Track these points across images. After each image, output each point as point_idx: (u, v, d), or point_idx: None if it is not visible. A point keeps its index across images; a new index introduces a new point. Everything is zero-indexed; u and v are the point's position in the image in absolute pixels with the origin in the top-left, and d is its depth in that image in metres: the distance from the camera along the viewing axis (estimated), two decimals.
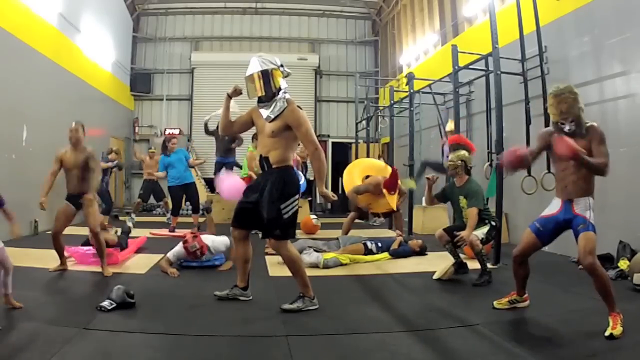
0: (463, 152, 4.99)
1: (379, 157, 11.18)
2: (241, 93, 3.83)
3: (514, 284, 3.69)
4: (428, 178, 5.09)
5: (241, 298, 3.90)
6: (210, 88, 13.27)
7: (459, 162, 4.90)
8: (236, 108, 4.02)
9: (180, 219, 8.41)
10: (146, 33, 14.46)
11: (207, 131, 9.32)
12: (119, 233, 6.63)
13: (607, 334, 2.99)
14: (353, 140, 12.64)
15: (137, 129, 14.16)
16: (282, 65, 3.73)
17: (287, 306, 3.61)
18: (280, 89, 3.68)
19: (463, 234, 4.63)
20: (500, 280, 4.61)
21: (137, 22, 14.23)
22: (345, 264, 5.45)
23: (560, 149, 3.08)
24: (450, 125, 7.71)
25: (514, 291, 3.71)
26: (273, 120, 3.66)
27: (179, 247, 5.12)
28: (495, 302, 3.75)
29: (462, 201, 4.87)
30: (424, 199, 5.29)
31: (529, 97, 6.05)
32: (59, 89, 8.69)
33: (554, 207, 3.40)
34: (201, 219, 8.98)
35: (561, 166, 3.33)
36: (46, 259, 5.35)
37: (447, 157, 7.36)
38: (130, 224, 7.09)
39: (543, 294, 4.03)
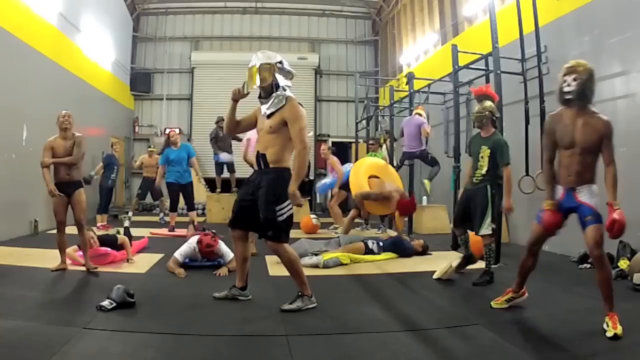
0: (489, 103, 4.83)
1: (380, 145, 11.21)
2: (243, 94, 3.79)
3: (512, 282, 3.69)
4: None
5: (240, 298, 3.89)
6: (210, 88, 13.27)
7: (486, 112, 4.73)
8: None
9: (178, 218, 8.41)
10: (146, 33, 14.46)
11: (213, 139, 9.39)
12: (121, 233, 6.65)
13: (609, 334, 2.98)
14: (353, 140, 12.64)
15: (137, 128, 14.19)
16: (281, 62, 3.73)
17: (286, 306, 3.61)
18: (278, 84, 3.67)
19: (506, 206, 4.57)
20: (501, 280, 4.61)
21: (137, 21, 14.24)
22: (346, 264, 5.45)
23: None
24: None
25: (509, 289, 3.71)
26: (272, 115, 3.65)
27: (186, 247, 5.12)
28: (492, 303, 3.75)
29: (485, 151, 4.67)
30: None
31: (528, 96, 6.06)
32: (59, 89, 8.69)
33: (556, 195, 3.36)
34: (201, 218, 9.00)
35: (566, 154, 3.27)
36: (46, 259, 5.34)
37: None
38: (127, 224, 6.97)
39: (543, 294, 4.04)
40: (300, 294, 3.68)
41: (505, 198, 4.58)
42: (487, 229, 4.64)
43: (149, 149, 10.28)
